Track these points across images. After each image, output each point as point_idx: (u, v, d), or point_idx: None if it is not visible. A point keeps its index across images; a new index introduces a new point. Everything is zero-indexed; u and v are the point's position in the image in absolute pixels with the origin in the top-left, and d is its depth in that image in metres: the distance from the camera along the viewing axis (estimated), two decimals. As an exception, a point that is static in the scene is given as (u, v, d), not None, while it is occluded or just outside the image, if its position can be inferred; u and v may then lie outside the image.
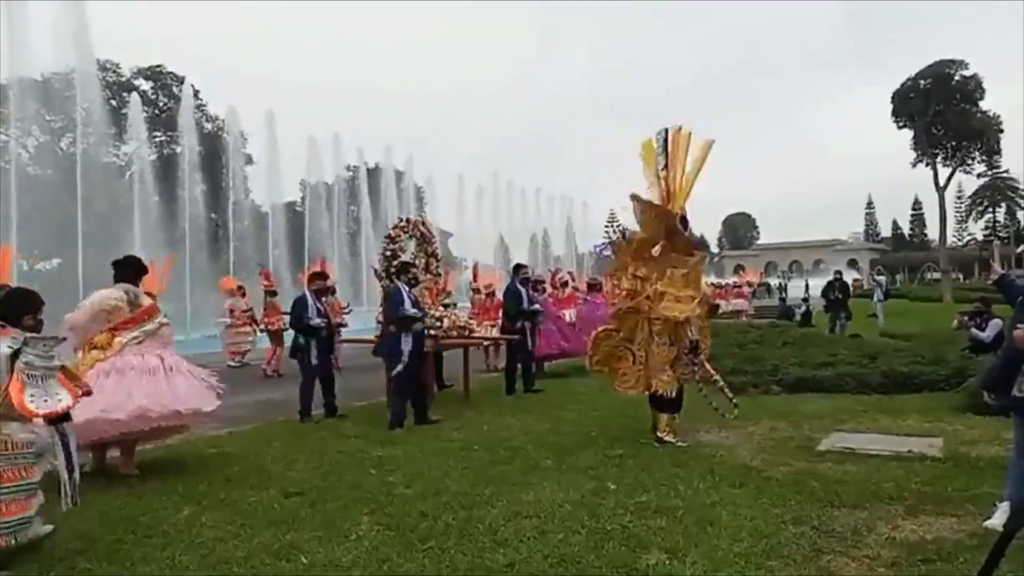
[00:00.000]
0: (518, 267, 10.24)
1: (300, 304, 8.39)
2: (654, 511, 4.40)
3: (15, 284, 10.50)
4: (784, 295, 34.26)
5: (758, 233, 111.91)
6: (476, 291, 14.35)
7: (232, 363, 14.40)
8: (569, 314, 12.95)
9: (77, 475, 3.97)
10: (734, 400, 6.49)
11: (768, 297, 40.01)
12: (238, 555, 3.84)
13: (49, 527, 4.03)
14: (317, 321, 8.19)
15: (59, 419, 3.85)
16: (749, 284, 34.56)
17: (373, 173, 42.06)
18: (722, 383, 6.57)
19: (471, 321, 11.03)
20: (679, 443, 6.22)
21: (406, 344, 7.42)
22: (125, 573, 3.65)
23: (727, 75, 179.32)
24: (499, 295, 13.96)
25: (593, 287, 13.66)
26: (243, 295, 15.01)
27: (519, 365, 9.80)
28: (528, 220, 53.13)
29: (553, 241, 56.98)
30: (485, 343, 12.21)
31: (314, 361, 8.18)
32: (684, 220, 6.36)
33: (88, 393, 4.31)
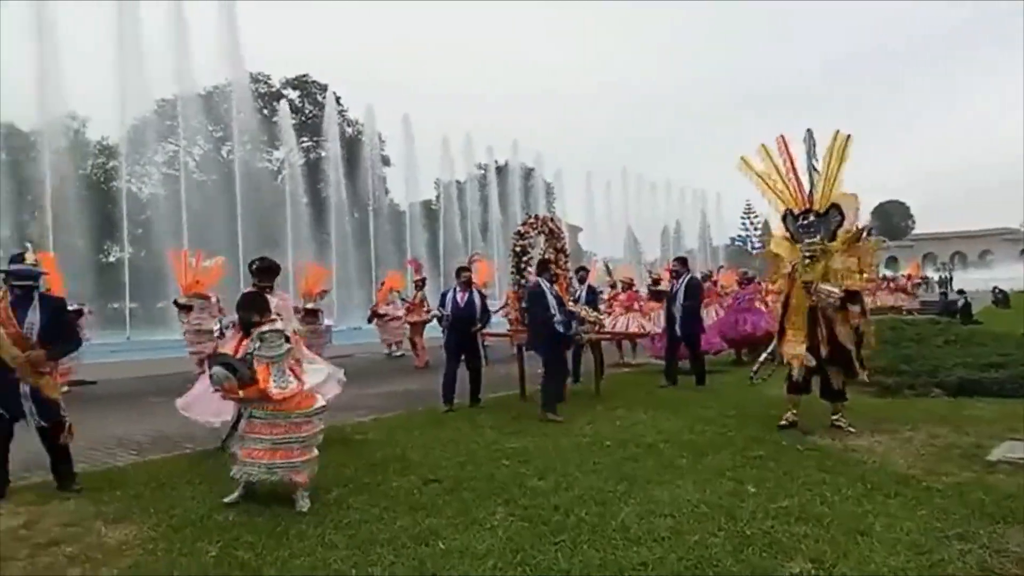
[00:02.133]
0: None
1: (442, 297, 8.73)
2: (797, 517, 4.18)
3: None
4: (947, 289, 31.44)
5: (913, 222, 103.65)
6: (612, 285, 14.26)
7: (390, 352, 15.42)
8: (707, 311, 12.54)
9: None
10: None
11: (927, 291, 36.95)
12: (382, 537, 4.02)
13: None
14: (435, 311, 8.51)
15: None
16: (909, 277, 31.66)
17: (502, 171, 42.80)
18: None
19: (603, 316, 10.98)
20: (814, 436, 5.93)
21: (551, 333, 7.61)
22: (283, 546, 3.92)
23: (869, 57, 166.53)
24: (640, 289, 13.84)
25: (746, 280, 13.16)
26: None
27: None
28: (659, 213, 52.13)
29: (686, 234, 55.55)
30: (619, 337, 12.11)
31: (452, 351, 8.49)
32: (838, 209, 6.37)
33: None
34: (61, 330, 5.21)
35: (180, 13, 26.62)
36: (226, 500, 4.67)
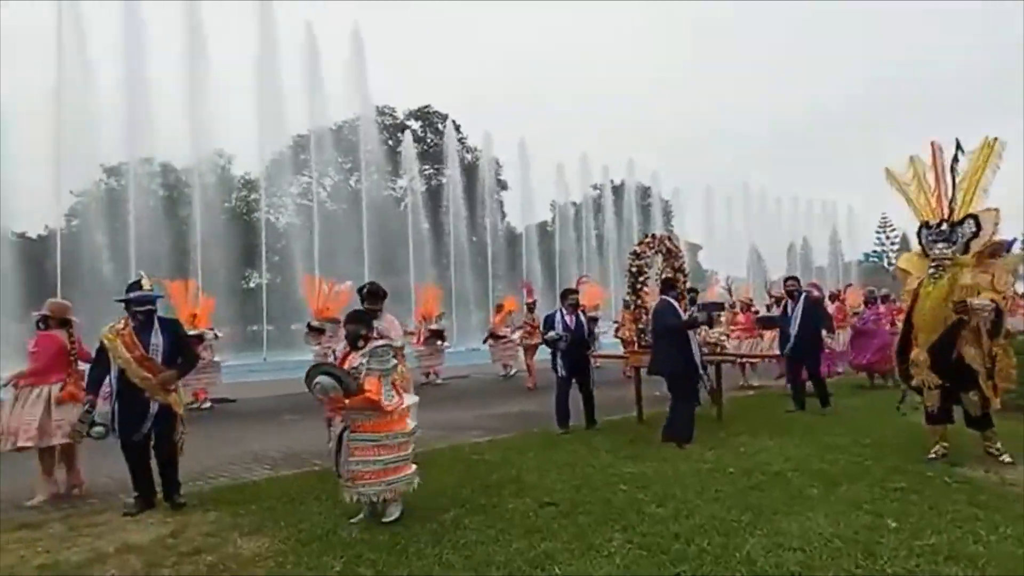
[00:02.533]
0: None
1: (549, 319, 8.71)
2: (947, 557, 3.82)
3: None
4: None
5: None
6: (732, 305, 13.79)
7: (505, 374, 15.61)
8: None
9: None
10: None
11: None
12: (497, 559, 4.03)
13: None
14: (552, 334, 8.42)
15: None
16: None
17: (619, 190, 42.55)
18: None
19: (723, 337, 10.61)
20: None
21: (690, 353, 7.42)
22: (403, 564, 4.01)
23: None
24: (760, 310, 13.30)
25: (872, 300, 12.39)
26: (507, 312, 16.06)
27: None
28: (784, 229, 49.88)
29: (814, 250, 52.80)
30: (740, 360, 11.66)
31: (561, 373, 8.43)
32: (975, 220, 5.85)
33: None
34: (182, 349, 5.61)
35: (314, 54, 28.51)
36: (352, 521, 4.80)
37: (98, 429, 5.26)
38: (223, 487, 6.10)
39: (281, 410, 10.95)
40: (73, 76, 22.33)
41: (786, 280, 10.32)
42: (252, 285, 34.40)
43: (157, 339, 5.38)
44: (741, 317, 13.19)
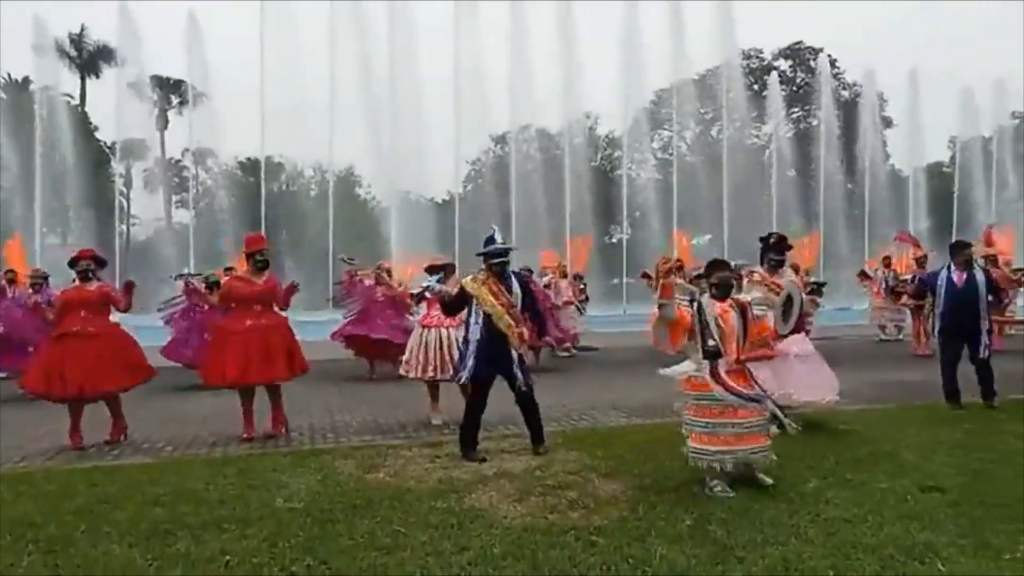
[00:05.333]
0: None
1: (931, 277, 7.48)
2: None
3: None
4: None
5: None
6: None
7: (883, 337, 14.10)
8: None
9: None
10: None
11: None
12: (865, 541, 3.64)
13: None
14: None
15: None
16: None
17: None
18: None
19: None
20: None
21: None
22: (756, 529, 3.86)
23: None
24: None
25: None
26: (887, 265, 14.21)
27: None
28: None
29: None
30: None
31: (950, 340, 7.22)
32: None
33: None
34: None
35: (677, 7, 28.27)
36: (715, 492, 4.50)
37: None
38: (583, 430, 6.56)
39: (639, 362, 11.31)
40: (467, 65, 25.59)
41: None
42: (614, 240, 35.92)
43: (516, 290, 5.79)
44: None
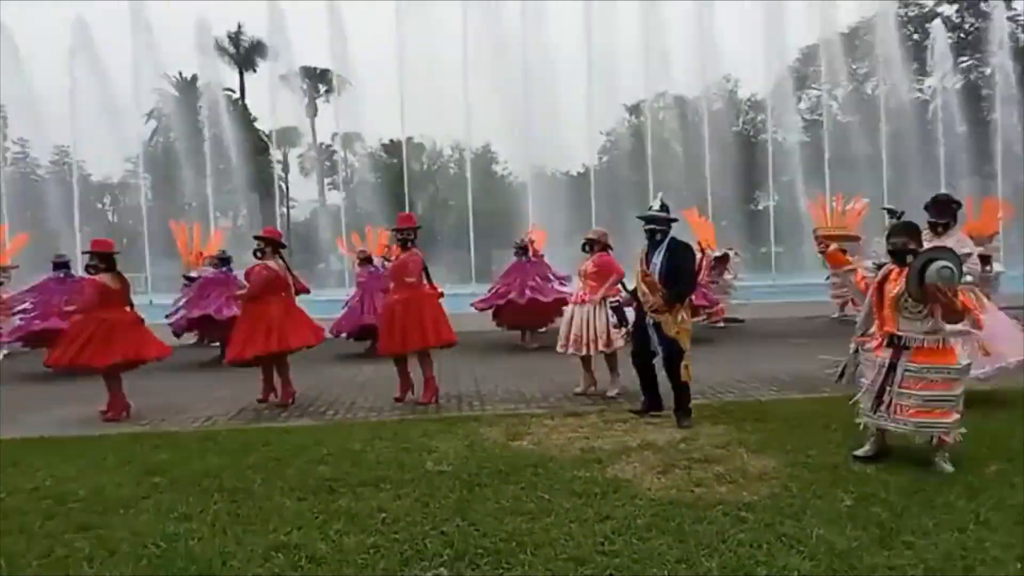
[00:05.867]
0: None
1: None
2: None
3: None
4: None
5: None
6: None
7: None
8: None
9: None
10: None
11: None
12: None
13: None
14: None
15: None
16: None
17: None
18: None
19: None
20: None
21: None
22: (926, 513, 3.58)
23: None
24: None
25: None
26: None
27: None
28: None
29: None
30: None
31: None
32: None
33: None
34: (678, 273, 5.68)
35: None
36: (857, 453, 4.49)
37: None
38: (730, 403, 6.34)
39: (789, 333, 10.79)
40: (599, 34, 25.16)
41: None
42: (759, 207, 34.30)
43: (658, 259, 5.68)
44: None
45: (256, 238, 7.29)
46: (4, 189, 23.93)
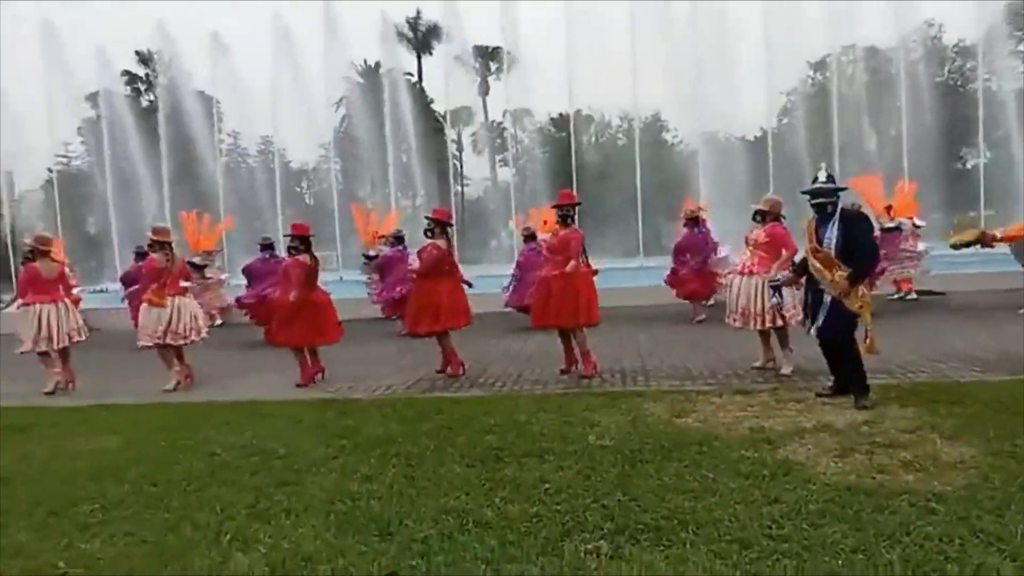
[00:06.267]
0: None
1: None
2: None
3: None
4: None
5: None
6: None
7: None
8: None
9: None
10: None
11: None
12: None
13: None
14: None
15: None
16: None
17: None
18: None
19: None
20: None
21: None
22: None
23: None
24: None
25: None
26: None
27: None
28: None
29: None
30: None
31: None
32: None
33: None
34: (855, 246, 5.20)
35: None
36: None
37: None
38: (921, 384, 5.79)
39: (995, 307, 9.63)
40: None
41: None
42: (967, 166, 30.64)
43: (832, 233, 5.27)
44: None
45: (427, 218, 7.67)
46: (220, 179, 26.92)
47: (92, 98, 29.92)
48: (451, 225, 7.75)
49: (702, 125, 26.06)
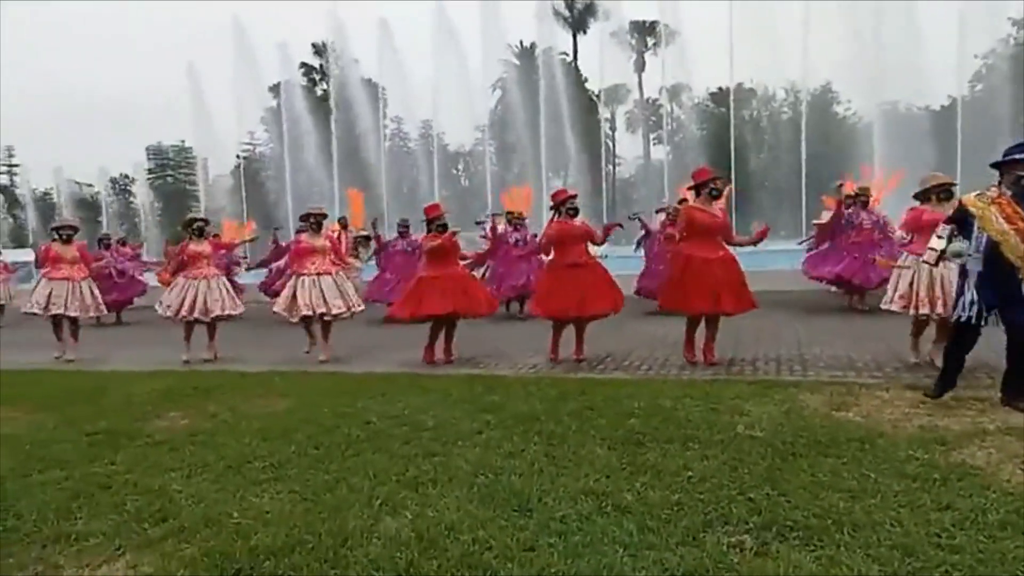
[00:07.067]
0: None
1: None
2: None
3: None
4: None
5: None
6: None
7: None
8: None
9: None
10: None
11: None
12: None
13: None
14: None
15: None
16: None
17: None
18: None
19: None
20: None
21: None
22: None
23: None
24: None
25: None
26: None
27: None
28: None
29: None
30: None
31: None
32: None
33: None
34: None
35: None
36: None
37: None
38: None
39: None
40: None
41: None
42: None
43: None
44: None
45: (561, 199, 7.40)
46: (383, 162, 28.41)
47: (274, 89, 32.56)
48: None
49: (880, 95, 23.95)
